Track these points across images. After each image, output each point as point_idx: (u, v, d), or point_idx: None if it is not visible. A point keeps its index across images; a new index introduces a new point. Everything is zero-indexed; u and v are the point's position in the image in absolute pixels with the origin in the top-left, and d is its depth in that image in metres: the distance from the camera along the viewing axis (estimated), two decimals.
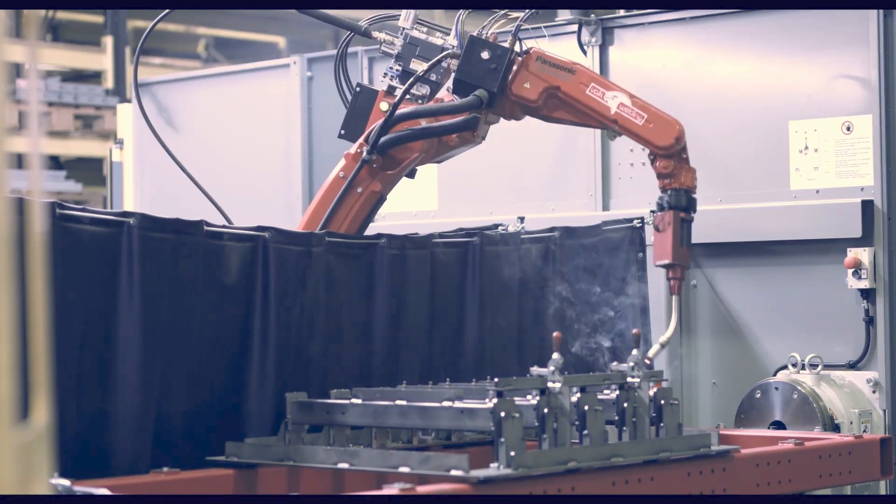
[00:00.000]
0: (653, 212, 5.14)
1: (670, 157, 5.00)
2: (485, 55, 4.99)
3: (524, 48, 5.04)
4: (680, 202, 5.03)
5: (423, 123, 5.04)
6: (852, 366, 5.19)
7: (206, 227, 4.23)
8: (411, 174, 5.25)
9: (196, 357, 4.20)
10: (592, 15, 5.93)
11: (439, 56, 5.06)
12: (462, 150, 5.22)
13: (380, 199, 5.11)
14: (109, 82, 15.60)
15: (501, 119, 5.17)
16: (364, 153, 4.99)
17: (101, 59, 15.76)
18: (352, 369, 4.63)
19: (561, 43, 5.97)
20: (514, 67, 5.00)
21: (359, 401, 4.29)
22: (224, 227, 4.34)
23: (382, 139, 4.98)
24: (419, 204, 6.36)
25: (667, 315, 5.25)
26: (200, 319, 4.21)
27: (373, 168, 5.03)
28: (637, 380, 4.08)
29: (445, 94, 5.09)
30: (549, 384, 3.80)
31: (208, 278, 4.24)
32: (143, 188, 7.63)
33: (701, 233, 5.51)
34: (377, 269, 4.71)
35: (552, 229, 5.40)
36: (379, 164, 5.03)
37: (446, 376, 4.89)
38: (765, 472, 4.28)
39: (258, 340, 4.34)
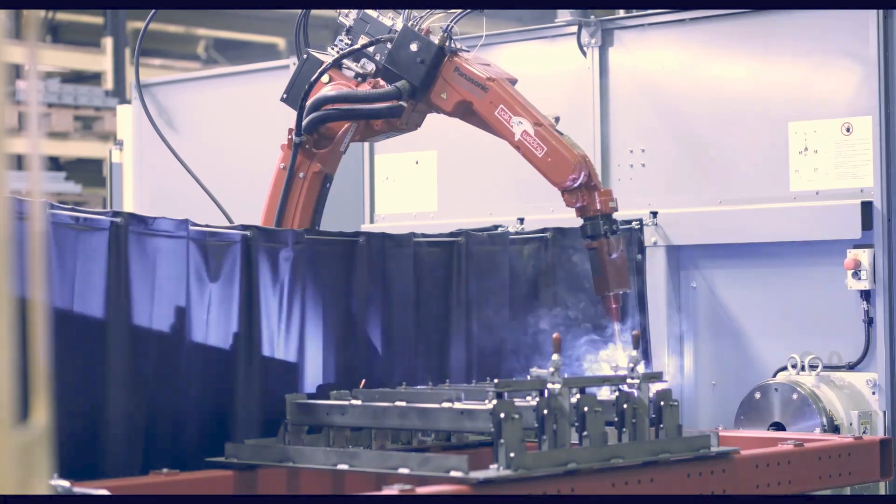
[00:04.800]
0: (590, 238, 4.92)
1: (574, 189, 4.87)
2: (414, 47, 4.92)
3: (454, 48, 4.92)
4: (614, 227, 4.88)
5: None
6: (852, 367, 5.19)
7: (191, 227, 4.26)
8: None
9: (187, 356, 4.21)
10: (592, 16, 5.92)
11: (372, 40, 4.99)
12: (392, 134, 5.19)
13: (325, 179, 5.10)
14: (109, 83, 15.59)
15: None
16: (293, 137, 5.00)
17: (101, 61, 15.75)
18: (341, 369, 4.62)
19: (560, 44, 5.97)
20: (439, 69, 4.91)
21: (358, 402, 4.29)
22: (208, 226, 4.35)
23: (307, 119, 4.99)
24: (419, 205, 6.36)
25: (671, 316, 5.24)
26: (189, 318, 4.22)
27: (307, 149, 5.04)
28: (636, 381, 4.08)
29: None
30: (549, 385, 3.79)
31: (195, 277, 4.25)
32: (142, 189, 7.62)
33: (700, 234, 5.51)
34: (358, 268, 4.70)
35: (544, 230, 5.38)
36: (311, 143, 5.04)
37: (435, 377, 4.86)
38: (764, 474, 4.28)
39: (244, 340, 4.35)
